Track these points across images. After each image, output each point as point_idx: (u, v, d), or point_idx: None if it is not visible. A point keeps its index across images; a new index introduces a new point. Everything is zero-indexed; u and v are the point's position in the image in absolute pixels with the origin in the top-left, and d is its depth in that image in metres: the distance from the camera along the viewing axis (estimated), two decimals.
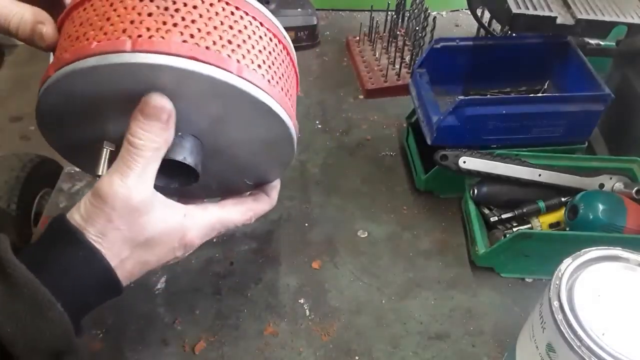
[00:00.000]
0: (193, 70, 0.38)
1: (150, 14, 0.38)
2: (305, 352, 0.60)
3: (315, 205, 0.76)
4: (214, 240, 0.69)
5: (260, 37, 0.43)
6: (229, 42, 0.40)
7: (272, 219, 0.74)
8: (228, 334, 0.61)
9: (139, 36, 0.37)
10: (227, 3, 0.41)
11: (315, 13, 1.06)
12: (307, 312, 0.64)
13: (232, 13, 0.41)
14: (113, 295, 0.42)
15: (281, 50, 0.46)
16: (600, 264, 0.47)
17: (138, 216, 0.41)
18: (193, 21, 0.39)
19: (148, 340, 0.60)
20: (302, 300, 0.65)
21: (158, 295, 0.64)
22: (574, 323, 0.42)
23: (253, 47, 0.42)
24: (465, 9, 1.16)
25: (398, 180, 0.81)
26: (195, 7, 0.39)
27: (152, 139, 0.40)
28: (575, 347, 0.42)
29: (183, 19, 0.39)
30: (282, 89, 0.44)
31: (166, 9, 0.38)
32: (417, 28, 0.95)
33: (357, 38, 1.08)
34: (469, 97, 0.68)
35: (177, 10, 0.39)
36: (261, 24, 0.43)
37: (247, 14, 0.42)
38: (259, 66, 0.42)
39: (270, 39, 0.44)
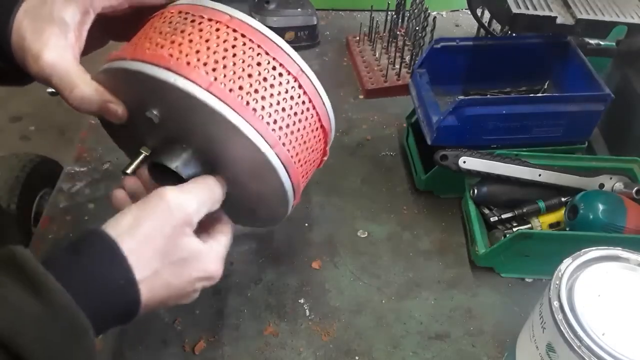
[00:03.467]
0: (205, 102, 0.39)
1: (197, 51, 0.40)
2: (305, 352, 0.60)
3: (315, 205, 0.76)
4: None
5: (292, 97, 0.43)
6: (254, 90, 0.41)
7: None
8: (228, 334, 0.61)
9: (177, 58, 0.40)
10: (273, 58, 0.42)
11: (315, 13, 1.05)
12: (307, 312, 0.64)
13: (274, 68, 0.42)
14: (128, 313, 0.39)
15: (311, 116, 0.46)
16: (600, 264, 0.47)
17: (182, 231, 0.41)
18: (224, 66, 0.40)
19: (148, 340, 0.60)
20: (302, 300, 0.65)
21: None
22: (574, 323, 0.42)
23: (277, 104, 0.42)
24: (465, 9, 1.16)
25: (398, 180, 0.81)
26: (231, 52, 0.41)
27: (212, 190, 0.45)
28: (575, 347, 0.42)
29: (219, 62, 0.40)
30: (292, 151, 0.44)
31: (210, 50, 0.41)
32: (417, 28, 0.95)
33: (357, 38, 1.07)
34: (469, 97, 0.68)
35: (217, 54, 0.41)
36: (300, 86, 0.44)
37: (288, 73, 0.43)
38: (274, 122, 0.42)
39: (303, 102, 0.45)
